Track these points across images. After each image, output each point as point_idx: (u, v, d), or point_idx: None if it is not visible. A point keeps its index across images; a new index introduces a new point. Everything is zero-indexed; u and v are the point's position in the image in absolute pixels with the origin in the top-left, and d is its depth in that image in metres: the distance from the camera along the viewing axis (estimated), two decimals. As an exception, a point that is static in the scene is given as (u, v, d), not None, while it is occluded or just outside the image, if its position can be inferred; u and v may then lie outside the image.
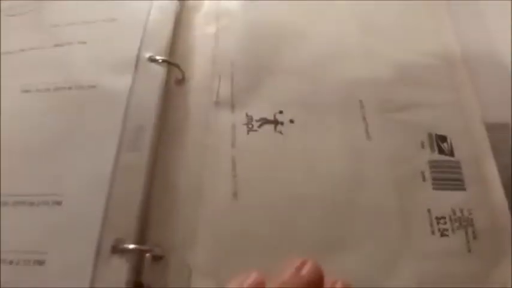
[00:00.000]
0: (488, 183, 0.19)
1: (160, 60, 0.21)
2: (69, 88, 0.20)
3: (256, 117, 0.21)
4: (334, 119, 0.21)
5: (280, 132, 0.20)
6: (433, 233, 0.18)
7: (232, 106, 0.21)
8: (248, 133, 0.20)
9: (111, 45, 0.22)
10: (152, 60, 0.21)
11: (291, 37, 0.24)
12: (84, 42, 0.21)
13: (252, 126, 0.21)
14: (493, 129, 0.21)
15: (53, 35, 0.22)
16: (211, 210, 0.18)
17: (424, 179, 0.19)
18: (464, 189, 0.19)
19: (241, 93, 0.22)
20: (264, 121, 0.21)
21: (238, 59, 0.23)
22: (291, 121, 0.21)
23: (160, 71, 0.21)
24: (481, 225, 0.18)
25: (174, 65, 0.22)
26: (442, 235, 0.18)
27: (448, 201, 0.19)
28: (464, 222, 0.18)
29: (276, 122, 0.21)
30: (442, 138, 0.21)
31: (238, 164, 0.19)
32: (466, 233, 0.18)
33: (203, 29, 0.24)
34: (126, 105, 0.19)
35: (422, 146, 0.20)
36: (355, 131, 0.21)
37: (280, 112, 0.21)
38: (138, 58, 0.21)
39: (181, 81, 0.22)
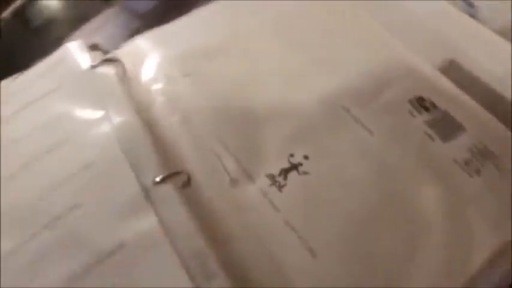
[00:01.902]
0: (474, 111, 0.23)
1: (159, 180, 0.20)
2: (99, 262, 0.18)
3: (275, 172, 0.21)
4: (334, 134, 0.22)
5: (306, 173, 0.21)
6: (470, 175, 0.21)
7: (249, 176, 0.21)
8: (281, 190, 0.21)
9: (104, 192, 0.20)
10: (155, 183, 0.20)
11: (246, 83, 0.25)
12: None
13: (279, 182, 0.21)
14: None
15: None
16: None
17: (432, 139, 0.22)
18: (465, 130, 0.22)
19: (246, 158, 0.22)
20: (285, 171, 0.21)
21: (221, 130, 0.23)
22: (306, 157, 0.22)
23: (171, 191, 0.20)
24: (496, 147, 0.21)
25: (175, 174, 0.21)
26: (478, 173, 0.21)
27: (462, 144, 0.21)
28: (485, 153, 0.21)
29: (295, 167, 0.21)
30: (421, 99, 0.23)
31: (294, 222, 0.20)
32: (492, 160, 0.21)
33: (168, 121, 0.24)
34: (170, 243, 0.18)
35: (412, 114, 0.23)
36: (358, 133, 0.22)
37: (292, 155, 0.22)
38: (144, 188, 0.20)
39: (187, 183, 0.21)
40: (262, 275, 0.18)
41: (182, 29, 0.27)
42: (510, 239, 0.19)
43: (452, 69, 0.25)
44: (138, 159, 0.21)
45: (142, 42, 0.27)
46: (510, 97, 0.24)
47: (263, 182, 0.21)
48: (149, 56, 0.26)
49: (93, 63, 0.25)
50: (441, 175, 0.21)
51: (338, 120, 0.23)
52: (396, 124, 0.22)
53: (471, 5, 0.29)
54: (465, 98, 0.23)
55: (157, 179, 0.20)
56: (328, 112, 0.23)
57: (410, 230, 0.19)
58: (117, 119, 0.23)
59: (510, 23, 0.28)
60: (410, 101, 0.23)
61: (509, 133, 0.22)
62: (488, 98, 0.24)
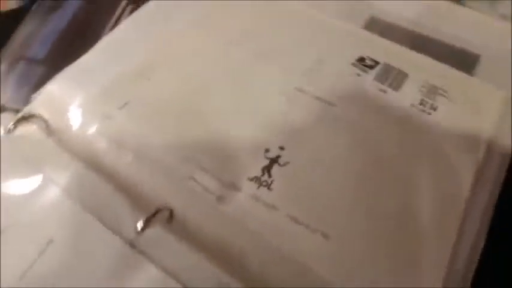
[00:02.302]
0: (407, 55, 0.24)
1: (142, 225, 0.18)
2: None
3: (257, 173, 0.20)
4: (300, 116, 0.22)
5: (287, 163, 0.20)
6: (429, 113, 0.22)
7: (233, 186, 0.20)
8: (270, 188, 0.20)
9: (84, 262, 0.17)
10: (138, 231, 0.17)
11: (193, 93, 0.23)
12: None
13: (266, 181, 0.20)
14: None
15: None
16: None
17: (385, 92, 0.23)
18: (407, 75, 0.23)
19: (223, 170, 0.20)
20: (267, 168, 0.20)
21: (185, 151, 0.21)
22: (281, 148, 0.21)
23: (160, 233, 0.18)
24: (440, 81, 0.23)
25: (155, 214, 0.18)
26: (435, 109, 0.22)
27: (411, 89, 0.23)
28: (433, 89, 0.23)
29: (274, 160, 0.21)
30: (361, 59, 0.24)
31: (296, 213, 0.19)
32: (441, 94, 0.23)
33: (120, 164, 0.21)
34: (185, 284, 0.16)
35: (359, 75, 0.23)
36: (321, 108, 0.22)
37: (267, 150, 0.21)
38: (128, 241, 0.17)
39: (170, 218, 0.19)
40: (282, 276, 0.17)
41: (97, 59, 0.24)
42: (482, 155, 0.20)
43: (374, 24, 0.26)
44: (107, 213, 0.18)
45: (55, 87, 0.23)
46: (427, 34, 0.26)
47: (249, 187, 0.20)
48: (70, 100, 0.23)
49: (8, 127, 0.21)
50: (404, 122, 0.22)
51: (298, 101, 0.22)
52: (351, 88, 0.23)
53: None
54: (395, 46, 0.25)
55: (139, 226, 0.18)
56: (287, 98, 0.22)
57: (402, 182, 0.20)
58: (62, 179, 0.19)
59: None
60: (353, 64, 0.24)
61: (443, 65, 0.24)
62: (411, 41, 0.26)
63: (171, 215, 0.19)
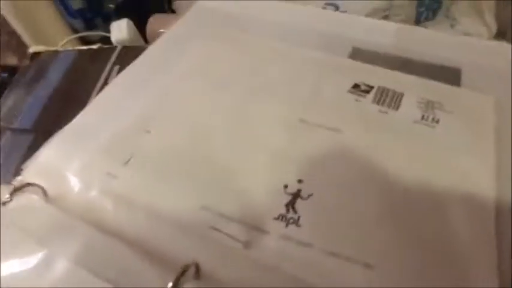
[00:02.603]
0: (396, 77, 0.25)
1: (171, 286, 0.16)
2: None
3: (281, 211, 0.19)
4: (309, 147, 0.22)
5: (310, 195, 0.20)
6: (433, 127, 0.22)
7: (258, 229, 0.19)
8: (299, 225, 0.19)
9: None
10: None
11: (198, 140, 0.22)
12: None
13: (293, 217, 0.19)
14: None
15: None
16: None
17: (387, 113, 0.23)
18: (403, 94, 0.24)
19: (245, 214, 0.19)
20: (291, 204, 0.19)
21: (203, 200, 0.19)
22: (300, 181, 0.20)
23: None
24: (433, 95, 0.24)
25: (183, 272, 0.17)
26: (437, 122, 0.22)
27: (410, 106, 0.23)
28: (429, 104, 0.23)
29: (297, 195, 0.20)
30: (356, 86, 0.25)
31: (332, 247, 0.18)
32: (438, 107, 0.23)
33: (133, 224, 0.19)
34: None
35: (359, 100, 0.24)
36: (329, 136, 0.22)
37: (286, 186, 0.20)
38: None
39: (197, 274, 0.17)
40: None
41: (91, 119, 0.23)
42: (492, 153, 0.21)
43: (358, 54, 0.27)
44: (128, 279, 0.16)
45: (50, 152, 0.22)
46: (407, 56, 0.27)
47: (277, 227, 0.19)
48: (68, 163, 0.21)
49: (3, 201, 0.19)
50: (413, 138, 0.22)
51: (304, 132, 0.22)
52: (353, 113, 0.23)
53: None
54: (383, 70, 0.26)
55: (169, 286, 0.16)
56: (292, 130, 0.22)
57: (430, 199, 0.19)
58: (69, 248, 0.17)
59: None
60: (349, 91, 0.24)
61: (432, 81, 0.25)
62: (395, 64, 0.27)
63: (198, 269, 0.17)
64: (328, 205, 0.19)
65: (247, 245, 0.18)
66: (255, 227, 0.19)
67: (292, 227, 0.19)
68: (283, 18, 0.30)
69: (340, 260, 0.17)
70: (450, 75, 0.26)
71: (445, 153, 0.21)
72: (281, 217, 0.19)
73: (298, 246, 0.18)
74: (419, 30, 0.30)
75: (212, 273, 0.17)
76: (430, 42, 0.28)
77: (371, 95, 0.24)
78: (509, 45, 0.27)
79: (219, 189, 0.20)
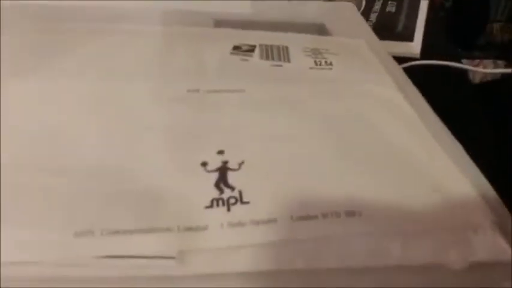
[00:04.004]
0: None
1: None
2: None
3: (213, 195, 0.13)
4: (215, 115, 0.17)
5: (243, 163, 0.14)
6: (330, 69, 0.21)
7: (190, 229, 0.12)
8: (244, 202, 0.13)
9: None
10: None
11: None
12: None
13: (234, 197, 0.13)
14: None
15: None
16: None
17: (280, 66, 0.20)
18: (288, 48, 0.22)
19: (154, 217, 0.12)
20: (221, 181, 0.14)
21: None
22: (220, 152, 0.15)
23: None
24: (318, 43, 0.22)
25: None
26: (331, 64, 0.21)
27: (301, 56, 0.21)
28: (318, 51, 0.22)
29: (224, 169, 0.14)
30: (237, 47, 0.21)
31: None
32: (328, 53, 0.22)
33: None
34: None
35: (245, 60, 0.20)
36: (232, 99, 0.18)
37: (204, 164, 0.14)
38: None
39: None
40: None
41: None
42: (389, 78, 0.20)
43: (222, 25, 0.24)
44: None
45: None
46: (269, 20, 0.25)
47: (214, 216, 0.13)
48: None
49: None
50: (318, 82, 0.20)
51: (200, 102, 0.17)
52: (248, 72, 0.20)
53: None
54: (255, 32, 0.24)
55: None
56: (183, 102, 0.17)
57: (358, 123, 0.17)
58: None
59: None
60: (232, 53, 0.21)
61: (306, 34, 0.24)
62: (260, 28, 0.24)
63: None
64: (269, 166, 0.14)
65: (180, 258, 0.11)
66: (186, 228, 0.12)
67: (236, 207, 0.13)
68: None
69: (317, 221, 0.12)
70: (318, 30, 0.25)
71: (353, 86, 0.19)
72: (216, 201, 0.13)
73: (256, 227, 0.12)
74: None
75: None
76: (285, 6, 0.28)
77: (256, 53, 0.21)
78: (351, 4, 0.30)
79: (102, 200, 0.13)
